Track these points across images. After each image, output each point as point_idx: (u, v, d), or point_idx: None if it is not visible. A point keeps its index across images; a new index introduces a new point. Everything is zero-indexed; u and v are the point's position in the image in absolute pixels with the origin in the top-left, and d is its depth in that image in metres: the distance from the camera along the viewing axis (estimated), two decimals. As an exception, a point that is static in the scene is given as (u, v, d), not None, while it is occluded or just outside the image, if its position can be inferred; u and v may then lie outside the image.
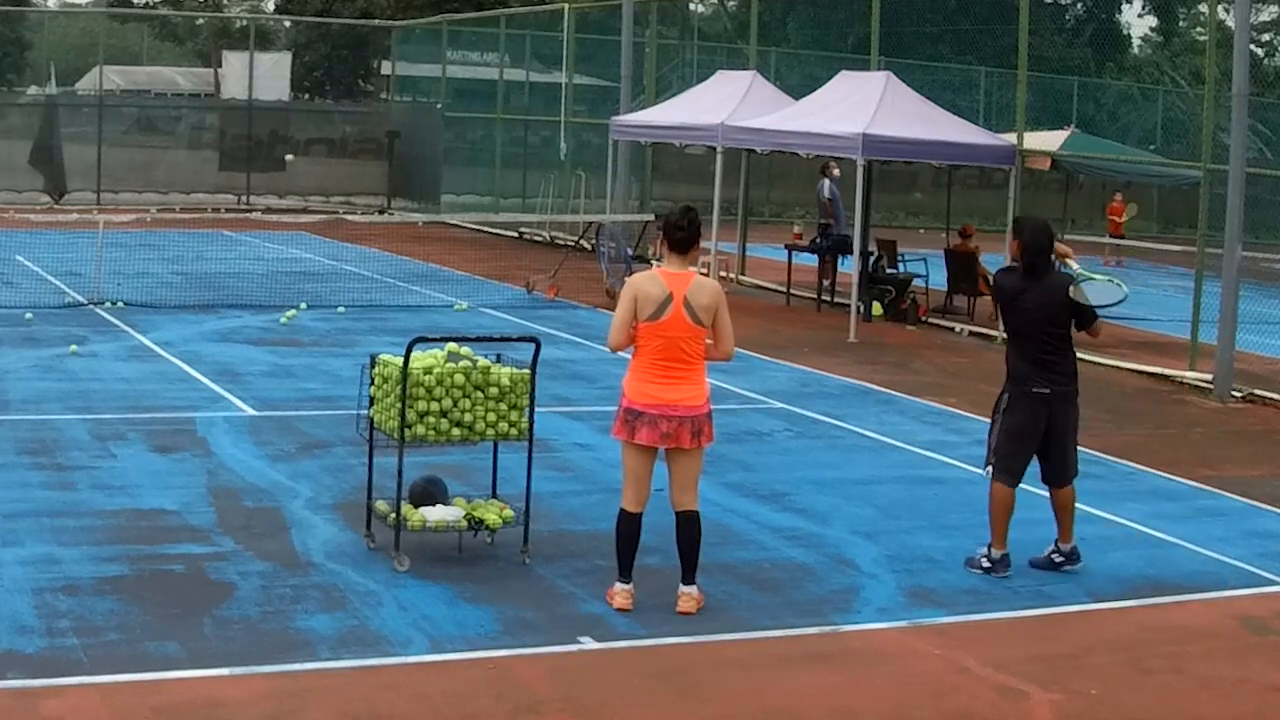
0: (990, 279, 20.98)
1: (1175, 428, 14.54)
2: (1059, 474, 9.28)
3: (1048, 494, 9.42)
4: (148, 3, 52.80)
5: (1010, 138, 20.25)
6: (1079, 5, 49.07)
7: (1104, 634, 8.29)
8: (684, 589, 8.20)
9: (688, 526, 8.14)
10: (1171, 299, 23.76)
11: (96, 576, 8.23)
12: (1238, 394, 15.97)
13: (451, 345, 8.91)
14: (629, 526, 8.15)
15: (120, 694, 6.70)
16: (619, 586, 8.22)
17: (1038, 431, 9.12)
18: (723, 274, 23.02)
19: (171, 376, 14.25)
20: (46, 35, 45.00)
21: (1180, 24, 51.97)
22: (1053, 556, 9.31)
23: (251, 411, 12.84)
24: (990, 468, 9.28)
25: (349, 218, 28.14)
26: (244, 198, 35.13)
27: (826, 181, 23.26)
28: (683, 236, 8.10)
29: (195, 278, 21.77)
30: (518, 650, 7.51)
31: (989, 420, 9.40)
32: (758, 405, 14.01)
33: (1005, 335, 9.50)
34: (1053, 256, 9.21)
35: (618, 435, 8.18)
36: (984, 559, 9.18)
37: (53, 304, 18.42)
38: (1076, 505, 9.37)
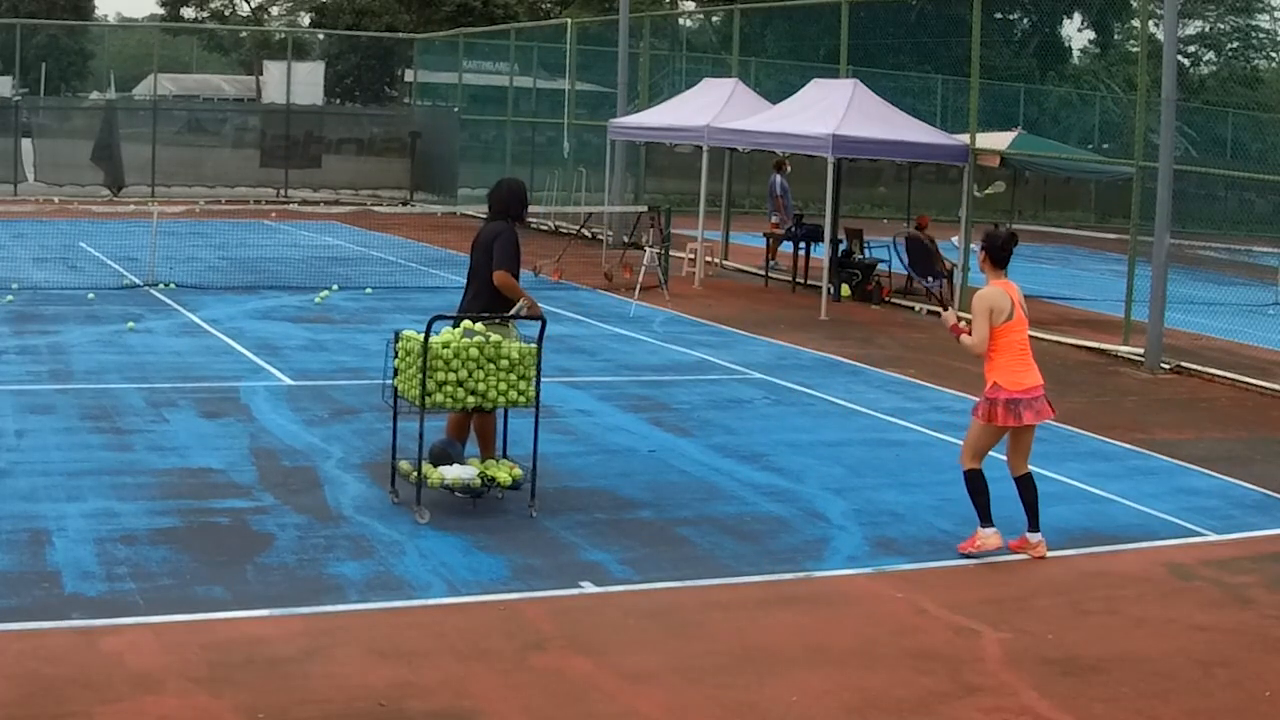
0: (948, 265, 21.00)
1: (1110, 396, 14.51)
2: None
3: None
4: (197, 17, 52.57)
5: (964, 138, 20.16)
6: (1025, 20, 48.82)
7: (1048, 579, 8.26)
8: (1031, 536, 8.52)
9: (1028, 485, 8.51)
10: (1108, 281, 23.72)
11: (151, 528, 8.19)
12: (1166, 366, 15.94)
13: (467, 322, 8.87)
14: (981, 480, 8.46)
15: (172, 632, 6.67)
16: (987, 530, 8.44)
17: None
18: (708, 259, 22.94)
19: (217, 350, 14.19)
20: (107, 46, 44.82)
21: (1116, 37, 51.74)
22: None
23: (289, 381, 12.78)
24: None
25: (376, 209, 28.12)
26: (282, 191, 34.99)
27: (778, 177, 23.16)
28: (1006, 255, 8.52)
29: (239, 262, 21.66)
30: (525, 593, 7.48)
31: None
32: (739, 376, 13.97)
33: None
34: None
35: (1002, 423, 8.34)
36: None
37: (112, 285, 18.34)
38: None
